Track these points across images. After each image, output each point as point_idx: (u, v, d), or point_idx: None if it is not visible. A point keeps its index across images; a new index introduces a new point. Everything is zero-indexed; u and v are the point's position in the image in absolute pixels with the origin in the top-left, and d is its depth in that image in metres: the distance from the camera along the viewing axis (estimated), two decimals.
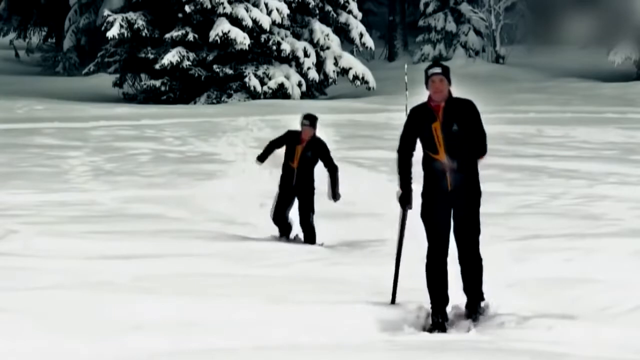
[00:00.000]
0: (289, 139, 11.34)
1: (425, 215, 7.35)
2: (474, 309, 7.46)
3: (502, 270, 8.84)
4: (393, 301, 7.65)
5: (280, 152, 11.49)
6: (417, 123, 7.35)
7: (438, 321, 7.37)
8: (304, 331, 7.16)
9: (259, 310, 7.63)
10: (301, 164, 11.18)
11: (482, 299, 7.52)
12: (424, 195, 7.38)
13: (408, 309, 7.63)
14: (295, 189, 11.24)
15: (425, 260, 7.41)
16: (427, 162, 7.33)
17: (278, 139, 11.52)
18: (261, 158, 11.64)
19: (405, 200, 7.43)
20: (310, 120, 11.23)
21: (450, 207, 7.30)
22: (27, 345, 6.75)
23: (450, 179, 7.24)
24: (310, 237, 11.26)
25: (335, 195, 11.22)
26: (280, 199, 11.36)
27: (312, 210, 11.25)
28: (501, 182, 14.04)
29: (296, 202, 11.34)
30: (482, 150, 7.36)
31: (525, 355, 6.45)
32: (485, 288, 7.51)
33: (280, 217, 11.38)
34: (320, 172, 11.47)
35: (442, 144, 7.23)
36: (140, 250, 10.44)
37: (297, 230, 11.57)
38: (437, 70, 7.29)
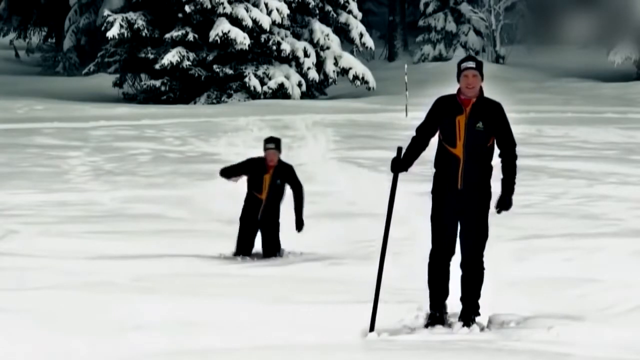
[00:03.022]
0: (252, 167, 10.30)
1: (433, 215, 7.28)
2: (467, 321, 7.36)
3: (502, 270, 8.83)
4: (372, 329, 7.22)
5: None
6: (441, 113, 7.22)
7: (436, 315, 7.33)
8: (304, 331, 7.16)
9: (259, 310, 7.63)
10: (270, 194, 10.25)
11: (478, 313, 7.40)
12: (433, 193, 7.30)
13: (407, 309, 7.62)
14: (260, 223, 10.32)
15: (427, 260, 7.38)
16: (441, 156, 7.23)
17: (237, 166, 10.44)
18: (227, 174, 10.50)
19: (396, 164, 7.26)
20: (275, 143, 10.23)
21: (459, 209, 7.21)
22: (27, 345, 6.75)
23: (462, 176, 7.16)
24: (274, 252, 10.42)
25: (299, 222, 10.31)
26: (243, 232, 10.36)
27: (279, 249, 10.36)
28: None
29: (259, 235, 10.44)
30: (511, 156, 7.24)
31: (525, 355, 6.45)
32: (484, 290, 7.47)
33: (247, 250, 10.37)
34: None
35: (462, 138, 7.12)
36: (140, 250, 10.44)
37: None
38: (471, 64, 7.13)
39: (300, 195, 10.35)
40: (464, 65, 7.16)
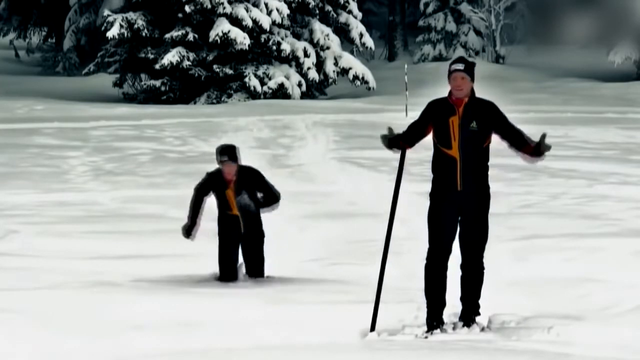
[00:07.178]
0: (212, 184, 9.06)
1: (431, 215, 7.26)
2: (467, 321, 7.36)
3: (502, 270, 8.84)
4: (373, 328, 7.23)
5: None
6: (434, 115, 7.21)
7: (433, 324, 7.32)
8: (304, 331, 7.17)
9: (259, 310, 7.64)
10: (241, 209, 9.02)
11: (478, 313, 7.39)
12: (432, 195, 7.28)
13: (407, 309, 7.62)
14: (243, 236, 9.14)
15: (424, 262, 7.38)
16: (438, 159, 7.22)
17: (202, 185, 9.16)
18: (191, 226, 9.25)
19: (392, 140, 7.28)
20: (228, 153, 8.96)
21: (458, 211, 7.20)
22: (27, 345, 6.76)
23: (460, 177, 7.14)
24: (259, 269, 9.25)
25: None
26: (225, 253, 9.15)
27: (263, 262, 9.21)
28: (501, 182, 14.02)
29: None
30: (526, 143, 7.26)
31: (525, 355, 6.46)
32: (484, 290, 7.47)
33: (232, 272, 9.12)
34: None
35: (456, 139, 7.11)
36: (140, 250, 10.45)
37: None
38: (460, 67, 7.14)
39: (273, 203, 9.19)
40: (453, 67, 7.18)
